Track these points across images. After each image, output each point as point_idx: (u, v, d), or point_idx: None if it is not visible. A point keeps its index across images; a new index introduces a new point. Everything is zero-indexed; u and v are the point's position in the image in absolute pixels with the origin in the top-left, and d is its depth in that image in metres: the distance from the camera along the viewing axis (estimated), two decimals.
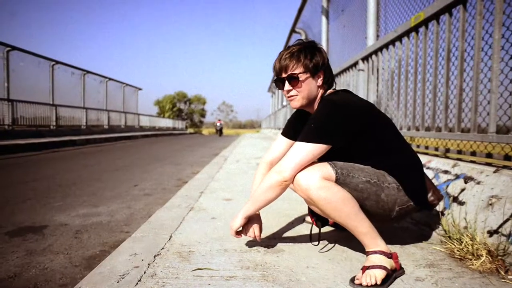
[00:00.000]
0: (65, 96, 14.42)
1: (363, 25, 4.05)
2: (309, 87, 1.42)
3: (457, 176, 1.76)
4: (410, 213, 1.42)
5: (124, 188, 3.93)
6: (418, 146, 2.80)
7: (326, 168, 1.30)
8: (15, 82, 11.35)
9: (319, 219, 1.51)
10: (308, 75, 1.40)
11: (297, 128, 1.52)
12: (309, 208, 1.49)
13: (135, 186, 4.02)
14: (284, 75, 1.41)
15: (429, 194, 1.45)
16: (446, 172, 1.86)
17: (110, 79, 19.10)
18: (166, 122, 31.33)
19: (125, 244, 1.60)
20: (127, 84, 21.93)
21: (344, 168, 1.32)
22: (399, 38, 2.84)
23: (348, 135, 1.32)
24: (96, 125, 16.71)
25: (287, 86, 1.41)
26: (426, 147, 2.68)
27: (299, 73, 1.39)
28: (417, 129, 2.60)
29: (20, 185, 4.01)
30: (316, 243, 1.60)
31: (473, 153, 2.12)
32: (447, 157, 2.18)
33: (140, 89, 24.56)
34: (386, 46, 3.11)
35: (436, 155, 2.36)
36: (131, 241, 1.63)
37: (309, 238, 1.62)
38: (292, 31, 8.73)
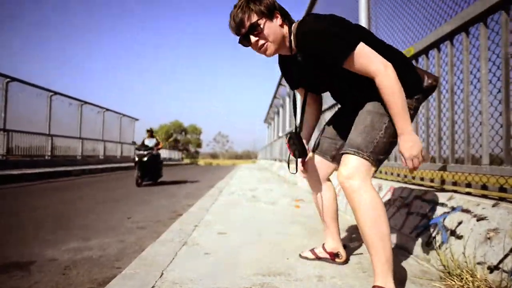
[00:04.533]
0: (62, 126, 14.45)
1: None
2: (273, 30, 1.40)
3: (453, 209, 1.74)
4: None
5: (117, 220, 3.86)
6: (413, 178, 2.80)
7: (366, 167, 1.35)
8: (13, 112, 11.39)
9: None
10: (265, 19, 1.39)
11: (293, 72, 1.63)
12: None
13: (129, 219, 3.95)
14: (244, 30, 1.40)
15: (425, 79, 1.46)
16: (442, 204, 1.85)
17: (107, 109, 19.24)
18: (162, 153, 31.29)
19: (115, 282, 1.54)
20: (124, 115, 22.08)
21: (369, 145, 1.36)
22: None
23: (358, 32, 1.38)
24: (92, 156, 16.65)
25: (252, 38, 1.40)
26: (422, 179, 2.68)
27: (257, 20, 1.38)
28: None
29: (11, 217, 3.92)
30: None
31: (469, 185, 2.11)
32: (443, 189, 2.17)
33: (137, 119, 24.70)
34: None
35: (432, 187, 2.35)
36: (121, 279, 1.57)
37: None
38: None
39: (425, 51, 2.36)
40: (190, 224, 2.80)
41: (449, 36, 2.10)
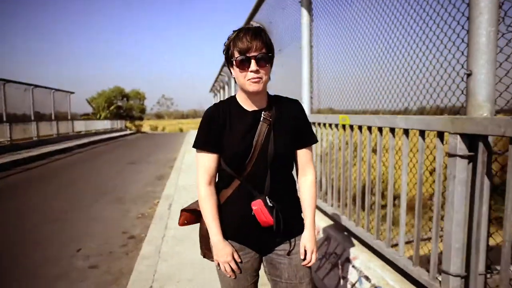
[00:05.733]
0: None
1: (300, 70, 4.28)
2: (269, 71, 1.38)
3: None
4: None
5: (65, 255, 3.81)
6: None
7: None
8: None
9: None
10: (271, 58, 1.36)
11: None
12: None
13: (78, 252, 3.92)
14: (254, 54, 1.31)
15: None
16: (367, 278, 2.18)
17: (36, 86, 17.53)
18: (103, 124, 29.65)
19: None
20: (56, 90, 20.29)
21: None
22: (329, 125, 3.13)
23: None
24: (23, 139, 15.34)
25: (253, 66, 1.31)
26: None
27: (267, 53, 1.34)
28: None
29: None
30: None
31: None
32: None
33: (72, 93, 22.87)
34: (318, 124, 3.40)
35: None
36: None
37: None
38: None
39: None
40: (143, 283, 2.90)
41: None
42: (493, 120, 1.37)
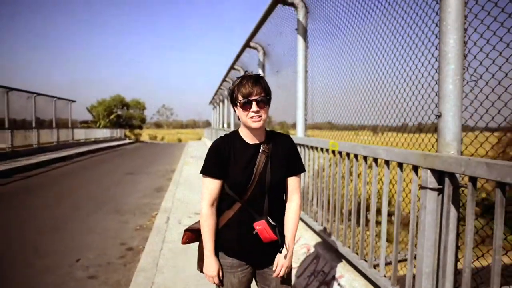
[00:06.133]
0: None
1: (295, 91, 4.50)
2: (267, 111, 1.63)
3: None
4: None
5: (64, 264, 3.92)
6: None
7: None
8: None
9: None
10: (269, 100, 1.63)
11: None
12: None
13: (77, 262, 4.04)
14: (255, 97, 1.56)
15: None
16: None
17: (38, 94, 17.77)
18: (103, 133, 29.84)
19: None
20: (58, 98, 20.53)
21: None
22: (321, 149, 3.32)
23: None
24: (24, 146, 15.49)
25: (254, 107, 1.56)
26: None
27: (266, 96, 1.60)
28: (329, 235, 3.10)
29: None
30: None
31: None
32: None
33: (73, 101, 23.11)
34: (310, 147, 3.59)
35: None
36: None
37: None
38: (232, 68, 9.11)
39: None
40: None
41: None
42: (456, 160, 1.56)
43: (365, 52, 2.97)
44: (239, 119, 1.66)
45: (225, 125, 14.34)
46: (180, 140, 43.75)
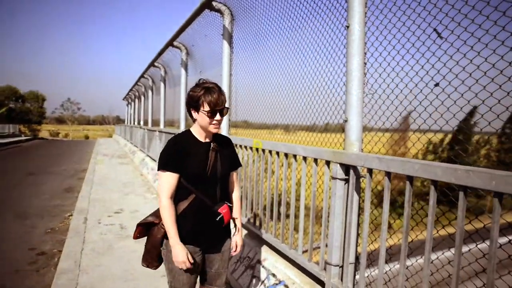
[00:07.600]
0: None
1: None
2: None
3: (280, 282, 2.59)
4: None
5: None
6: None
7: None
8: None
9: None
10: (227, 110, 1.86)
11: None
12: None
13: None
14: (221, 107, 1.78)
15: None
16: (274, 275, 2.69)
17: None
18: None
19: None
20: None
21: None
22: (245, 147, 3.63)
23: None
24: None
25: (218, 116, 1.79)
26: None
27: (226, 107, 1.83)
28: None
29: None
30: None
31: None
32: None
33: None
34: (235, 145, 3.88)
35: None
36: None
37: None
38: (152, 65, 8.91)
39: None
40: None
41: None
42: (358, 155, 2.00)
43: (284, 61, 3.36)
44: (194, 121, 1.87)
45: (142, 123, 13.80)
46: (87, 137, 40.17)
